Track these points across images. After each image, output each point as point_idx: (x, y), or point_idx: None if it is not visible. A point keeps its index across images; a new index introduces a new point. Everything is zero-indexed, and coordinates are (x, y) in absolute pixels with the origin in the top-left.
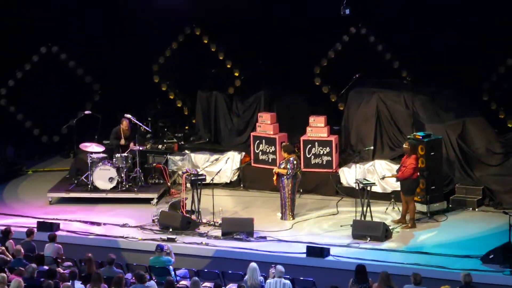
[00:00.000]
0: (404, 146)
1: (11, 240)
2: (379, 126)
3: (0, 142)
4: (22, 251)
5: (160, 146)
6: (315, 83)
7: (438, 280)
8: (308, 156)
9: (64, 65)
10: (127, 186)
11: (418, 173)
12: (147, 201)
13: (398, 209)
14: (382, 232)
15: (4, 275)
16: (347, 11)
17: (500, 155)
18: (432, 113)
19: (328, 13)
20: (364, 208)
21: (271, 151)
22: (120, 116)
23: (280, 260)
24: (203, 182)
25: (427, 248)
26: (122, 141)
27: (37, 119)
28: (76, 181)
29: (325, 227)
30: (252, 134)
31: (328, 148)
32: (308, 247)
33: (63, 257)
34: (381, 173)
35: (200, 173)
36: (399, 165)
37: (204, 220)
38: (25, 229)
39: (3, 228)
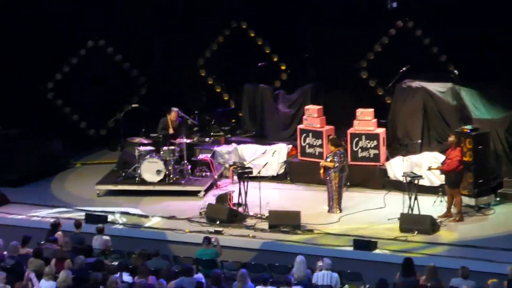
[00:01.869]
0: (449, 138)
1: (60, 232)
2: (426, 119)
3: (47, 135)
4: (70, 243)
5: (207, 139)
6: (362, 76)
7: (486, 273)
8: (355, 149)
9: (111, 59)
10: (174, 178)
11: (463, 166)
12: (194, 193)
13: (446, 202)
14: (429, 226)
15: (53, 267)
16: (394, 5)
17: None
18: (479, 107)
19: (375, 6)
20: (412, 202)
21: (318, 144)
22: (166, 110)
23: (327, 253)
24: (249, 175)
25: (475, 242)
26: (171, 130)
27: (84, 113)
28: (123, 174)
29: (372, 220)
30: (298, 127)
31: (375, 141)
32: (355, 240)
33: (111, 249)
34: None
35: (247, 166)
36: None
37: (251, 213)
38: (73, 222)
39: (52, 220)
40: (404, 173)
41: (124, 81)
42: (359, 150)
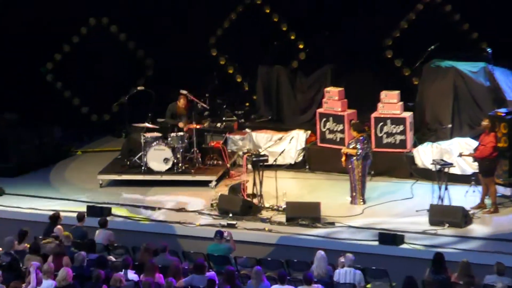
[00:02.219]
0: (483, 123)
1: (59, 226)
2: (456, 102)
3: (47, 121)
4: (71, 237)
5: (218, 125)
6: (387, 56)
7: None
8: (380, 135)
9: (115, 38)
10: (183, 167)
11: (497, 153)
12: (205, 184)
13: (479, 192)
14: (461, 218)
15: (51, 264)
16: None
17: None
18: None
19: None
20: (442, 192)
21: (339, 129)
22: (174, 92)
23: (350, 248)
24: (265, 164)
25: (511, 235)
26: (181, 124)
27: (86, 96)
28: (128, 163)
29: (399, 212)
30: (318, 111)
31: (401, 126)
32: (380, 234)
33: (115, 244)
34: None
35: (262, 153)
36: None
37: (266, 205)
38: (74, 214)
39: (51, 213)
40: (433, 160)
41: (129, 62)
42: (384, 135)
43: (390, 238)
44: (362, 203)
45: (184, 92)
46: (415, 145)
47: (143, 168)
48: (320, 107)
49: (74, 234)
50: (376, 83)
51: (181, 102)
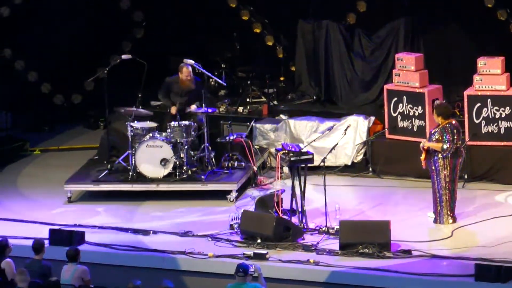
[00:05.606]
0: None
1: (8, 259)
2: None
3: None
4: (28, 277)
5: (240, 109)
6: (486, 4)
7: None
8: (477, 121)
9: None
10: (189, 172)
11: None
12: (222, 195)
13: None
14: None
15: None
16: None
17: None
18: None
19: None
20: None
21: (416, 114)
22: (176, 63)
23: (434, 286)
24: (309, 165)
25: None
26: (173, 110)
27: (47, 69)
28: (109, 166)
29: (505, 234)
30: (386, 87)
31: (508, 108)
32: (477, 267)
33: (91, 286)
34: None
35: (304, 150)
36: None
37: (311, 225)
38: (30, 242)
39: None
40: None
41: (109, 18)
42: (483, 122)
43: (492, 272)
44: (451, 221)
45: (189, 61)
46: None
47: (130, 173)
48: (390, 81)
49: (30, 272)
50: (470, 45)
51: (185, 73)
